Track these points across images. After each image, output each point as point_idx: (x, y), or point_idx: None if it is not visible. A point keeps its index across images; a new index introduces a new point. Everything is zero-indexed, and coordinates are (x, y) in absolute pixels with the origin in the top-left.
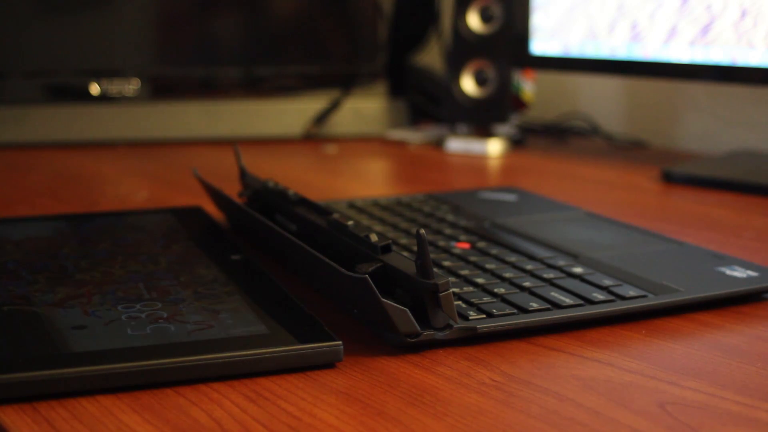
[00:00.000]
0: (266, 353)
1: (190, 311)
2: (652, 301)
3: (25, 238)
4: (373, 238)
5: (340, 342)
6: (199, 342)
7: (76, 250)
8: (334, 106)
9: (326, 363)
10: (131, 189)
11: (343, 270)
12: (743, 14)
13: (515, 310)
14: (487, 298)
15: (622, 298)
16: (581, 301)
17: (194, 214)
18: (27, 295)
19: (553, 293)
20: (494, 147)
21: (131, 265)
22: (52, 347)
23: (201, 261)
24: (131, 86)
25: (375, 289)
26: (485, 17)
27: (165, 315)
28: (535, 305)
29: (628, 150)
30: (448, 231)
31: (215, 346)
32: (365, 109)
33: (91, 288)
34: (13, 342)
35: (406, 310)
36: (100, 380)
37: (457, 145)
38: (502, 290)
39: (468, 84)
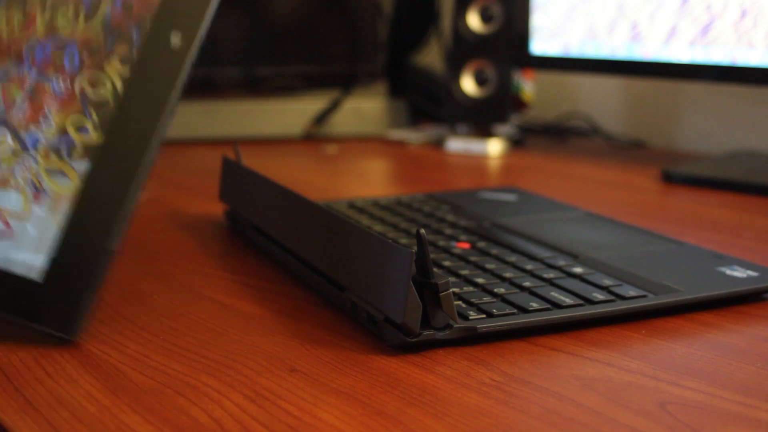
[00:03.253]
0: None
1: None
2: (652, 301)
3: None
4: None
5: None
6: None
7: None
8: (334, 106)
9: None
10: None
11: (384, 238)
12: (743, 14)
13: (515, 310)
14: (487, 298)
15: (622, 298)
16: (581, 301)
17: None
18: None
19: (553, 293)
20: (494, 147)
21: None
22: None
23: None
24: None
25: (414, 266)
26: (485, 17)
27: None
28: (535, 305)
29: (628, 150)
30: (448, 231)
31: None
32: (365, 109)
33: None
34: None
35: (421, 306)
36: None
37: (457, 145)
38: (502, 290)
39: (468, 84)
